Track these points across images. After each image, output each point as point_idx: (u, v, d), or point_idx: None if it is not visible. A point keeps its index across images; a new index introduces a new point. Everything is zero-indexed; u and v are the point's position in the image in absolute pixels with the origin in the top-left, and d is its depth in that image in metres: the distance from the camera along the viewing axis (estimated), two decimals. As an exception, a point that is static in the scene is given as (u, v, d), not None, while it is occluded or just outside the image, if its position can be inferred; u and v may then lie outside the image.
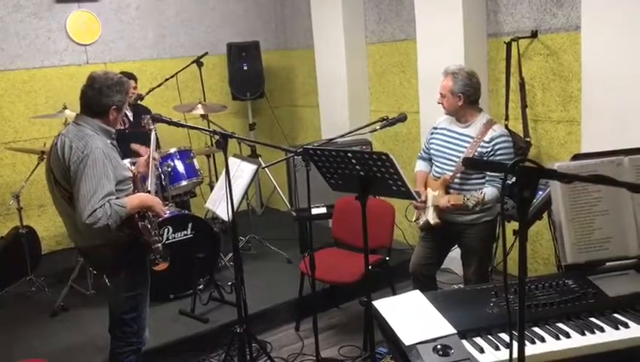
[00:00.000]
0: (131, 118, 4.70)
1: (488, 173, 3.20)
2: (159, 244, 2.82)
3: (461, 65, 3.36)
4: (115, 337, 2.94)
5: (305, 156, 2.91)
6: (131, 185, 2.84)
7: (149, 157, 3.09)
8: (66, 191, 2.72)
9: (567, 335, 1.97)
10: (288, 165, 4.91)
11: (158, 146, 4.84)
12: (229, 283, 3.62)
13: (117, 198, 2.65)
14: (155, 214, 2.86)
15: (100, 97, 2.75)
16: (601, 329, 2.00)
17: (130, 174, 2.86)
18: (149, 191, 2.97)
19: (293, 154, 3.16)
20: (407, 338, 1.94)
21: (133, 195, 2.79)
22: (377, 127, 3.27)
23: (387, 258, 3.91)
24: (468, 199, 3.06)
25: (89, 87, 2.77)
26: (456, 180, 3.28)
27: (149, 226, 2.80)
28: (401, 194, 2.68)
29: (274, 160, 3.71)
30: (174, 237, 4.20)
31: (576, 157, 2.40)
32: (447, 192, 3.28)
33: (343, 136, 3.38)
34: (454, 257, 3.65)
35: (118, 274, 2.86)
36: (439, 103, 3.31)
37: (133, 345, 2.93)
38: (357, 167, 2.66)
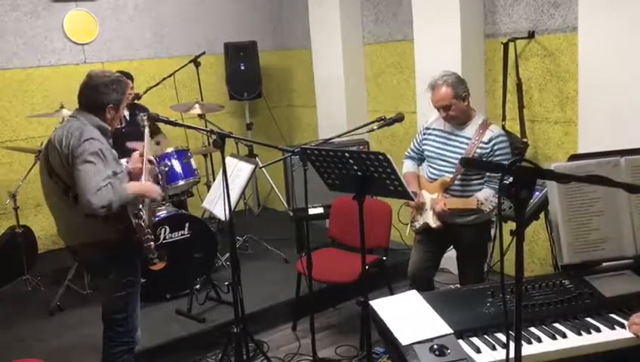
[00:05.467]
0: (128, 117, 4.69)
1: (487, 173, 3.19)
2: (152, 243, 2.81)
3: (441, 72, 3.28)
4: (107, 337, 2.93)
5: (302, 156, 2.91)
6: (127, 180, 2.85)
7: (142, 153, 3.08)
8: (62, 183, 2.71)
9: (564, 336, 1.98)
10: (285, 165, 4.91)
11: (157, 143, 4.83)
12: (226, 283, 3.63)
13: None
14: (154, 199, 2.88)
15: (97, 95, 2.76)
16: (598, 330, 2.00)
17: (124, 168, 2.88)
18: None
19: (290, 154, 3.16)
20: (404, 338, 1.95)
21: (133, 182, 2.84)
22: (375, 127, 3.26)
23: (384, 258, 3.91)
24: (482, 204, 3.03)
25: (86, 85, 2.78)
26: (457, 182, 3.24)
27: (143, 225, 2.80)
28: (399, 194, 2.68)
29: (271, 160, 3.70)
30: (171, 237, 4.20)
31: (573, 157, 2.40)
32: (444, 194, 3.26)
33: (340, 136, 3.38)
34: (451, 257, 3.65)
35: (107, 274, 2.86)
36: (444, 117, 3.22)
37: (125, 344, 2.92)
38: (354, 166, 2.66)
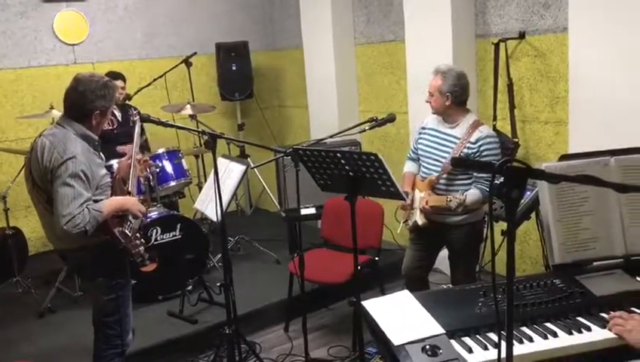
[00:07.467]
0: (120, 118, 4.67)
1: (475, 173, 3.20)
2: (141, 248, 2.77)
3: (451, 65, 3.37)
4: (98, 340, 2.91)
5: (294, 157, 2.90)
6: (109, 190, 2.82)
7: (130, 159, 3.01)
8: (44, 194, 2.69)
9: (555, 335, 1.98)
10: (277, 166, 4.91)
11: (148, 149, 4.81)
12: (218, 284, 3.61)
13: (95, 202, 2.63)
14: (134, 216, 2.82)
15: (83, 101, 2.70)
16: (589, 329, 2.01)
17: (109, 179, 2.83)
18: (129, 193, 2.90)
19: (282, 154, 3.16)
20: (396, 338, 1.94)
21: (110, 199, 2.76)
22: (366, 128, 3.28)
23: (376, 258, 3.92)
24: (450, 201, 3.07)
25: (73, 90, 2.72)
26: (442, 181, 3.27)
27: (128, 232, 2.75)
28: (390, 194, 2.69)
29: (263, 160, 3.70)
30: (163, 238, 4.18)
31: (564, 157, 2.41)
32: (433, 193, 3.28)
33: (332, 136, 3.39)
34: (443, 257, 3.66)
35: (96, 277, 2.84)
36: (427, 102, 3.31)
37: (116, 347, 2.90)
38: (346, 167, 2.66)
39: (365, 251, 3.95)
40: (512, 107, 4.08)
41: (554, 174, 1.63)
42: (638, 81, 3.28)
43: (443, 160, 3.26)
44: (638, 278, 2.24)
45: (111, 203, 2.72)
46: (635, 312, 2.05)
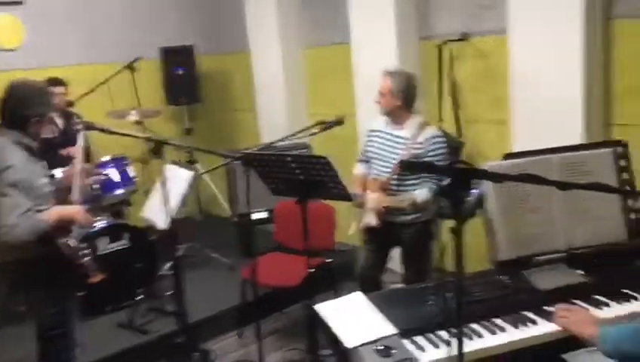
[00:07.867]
0: (61, 126, 4.53)
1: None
2: (87, 258, 2.70)
3: (401, 67, 3.43)
4: (44, 355, 2.82)
5: (244, 161, 2.89)
6: (52, 199, 2.72)
7: (75, 168, 2.92)
8: None
9: (503, 330, 2.04)
10: (228, 170, 4.86)
11: (90, 159, 4.68)
12: (168, 293, 3.56)
13: (38, 212, 2.55)
14: (80, 225, 2.74)
15: (19, 108, 2.61)
16: (535, 323, 2.07)
17: (51, 188, 2.74)
18: (74, 202, 2.80)
19: (232, 159, 3.14)
20: (349, 340, 1.96)
21: (54, 208, 2.67)
22: (315, 131, 3.29)
23: (329, 260, 3.93)
24: (402, 201, 3.13)
25: (8, 97, 2.63)
26: (394, 182, 3.33)
27: (71, 243, 2.66)
28: (340, 196, 2.71)
29: (213, 165, 3.66)
30: (110, 248, 4.08)
31: (508, 156, 2.48)
32: (385, 194, 3.33)
33: (281, 140, 3.38)
34: (394, 256, 3.71)
35: (39, 290, 2.74)
36: (377, 102, 3.36)
37: None
38: (296, 170, 2.67)
39: (318, 253, 3.96)
40: (456, 108, 4.17)
41: (497, 174, 1.68)
42: (574, 79, 3.41)
43: (393, 161, 3.32)
44: (579, 271, 2.33)
45: (55, 212, 2.64)
46: (577, 304, 2.12)
